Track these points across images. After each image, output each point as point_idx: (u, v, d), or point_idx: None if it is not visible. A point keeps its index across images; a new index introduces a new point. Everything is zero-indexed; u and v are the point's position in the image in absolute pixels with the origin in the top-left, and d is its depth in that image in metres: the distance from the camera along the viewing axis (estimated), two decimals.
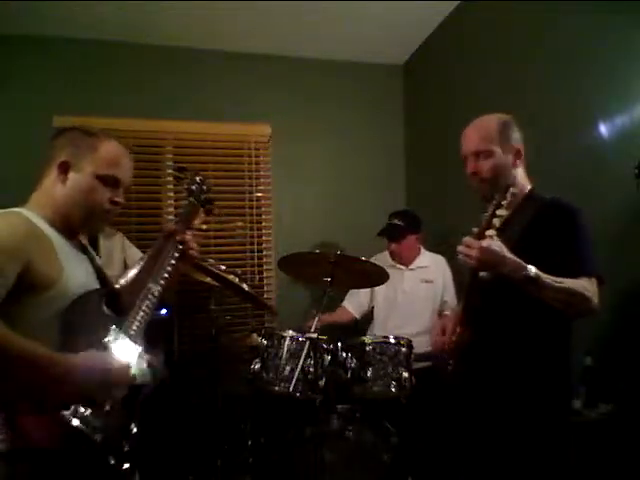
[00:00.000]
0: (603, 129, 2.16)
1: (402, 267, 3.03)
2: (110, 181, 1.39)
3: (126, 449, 1.28)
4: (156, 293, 1.41)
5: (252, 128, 3.69)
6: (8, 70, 3.23)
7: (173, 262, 1.48)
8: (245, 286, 2.66)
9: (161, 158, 3.62)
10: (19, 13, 3.03)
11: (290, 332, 2.35)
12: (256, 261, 3.71)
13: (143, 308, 1.38)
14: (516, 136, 1.65)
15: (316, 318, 2.21)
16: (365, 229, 3.16)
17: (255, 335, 2.57)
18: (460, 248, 1.46)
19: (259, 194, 3.76)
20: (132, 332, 1.33)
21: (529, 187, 1.67)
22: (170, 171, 3.56)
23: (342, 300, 3.19)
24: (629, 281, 2.03)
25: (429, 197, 3.68)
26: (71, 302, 1.27)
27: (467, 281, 1.55)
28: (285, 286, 3.62)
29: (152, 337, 1.41)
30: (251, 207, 3.72)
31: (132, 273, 1.56)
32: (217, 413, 2.62)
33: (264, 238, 3.75)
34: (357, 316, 3.16)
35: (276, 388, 2.25)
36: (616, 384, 2.06)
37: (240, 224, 3.67)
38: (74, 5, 2.98)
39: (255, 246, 3.71)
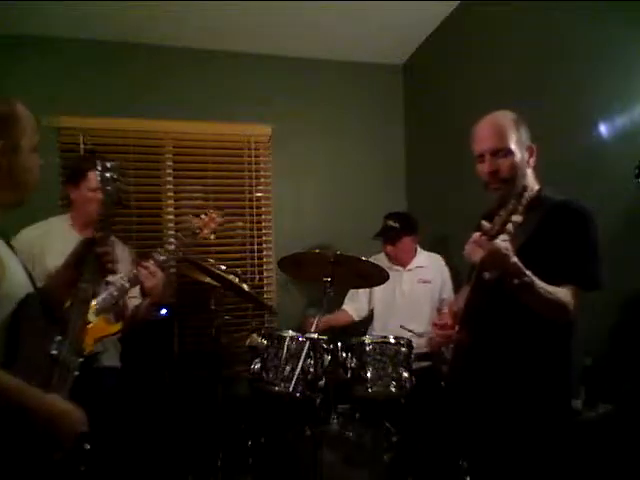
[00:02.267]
0: (603, 129, 2.16)
1: (400, 268, 3.03)
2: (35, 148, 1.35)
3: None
4: (90, 297, 1.35)
5: (252, 128, 3.69)
6: (7, 70, 3.23)
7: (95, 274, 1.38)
8: (245, 286, 2.66)
9: (161, 158, 3.62)
10: (19, 13, 3.03)
11: (290, 332, 2.35)
12: (256, 261, 3.71)
13: (80, 314, 1.31)
14: (527, 134, 1.61)
15: (316, 319, 2.21)
16: (365, 229, 3.16)
17: (255, 335, 2.57)
18: (468, 244, 1.43)
19: (259, 194, 3.76)
20: (75, 341, 1.26)
21: (537, 187, 1.62)
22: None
23: (342, 300, 3.20)
24: (629, 281, 2.03)
25: (429, 197, 3.68)
26: (15, 307, 1.18)
27: (471, 281, 1.52)
28: (285, 286, 3.62)
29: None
30: (251, 207, 3.72)
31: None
32: (217, 413, 2.62)
33: (264, 238, 3.75)
34: (356, 319, 3.17)
35: (276, 388, 2.26)
36: (616, 384, 2.05)
37: (240, 224, 3.67)
38: (74, 5, 2.98)
39: (255, 246, 3.71)
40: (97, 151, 1.63)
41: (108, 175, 1.52)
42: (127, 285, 2.18)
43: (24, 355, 1.16)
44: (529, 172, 1.61)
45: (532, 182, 1.61)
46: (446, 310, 3.03)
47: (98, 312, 2.11)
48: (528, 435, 1.51)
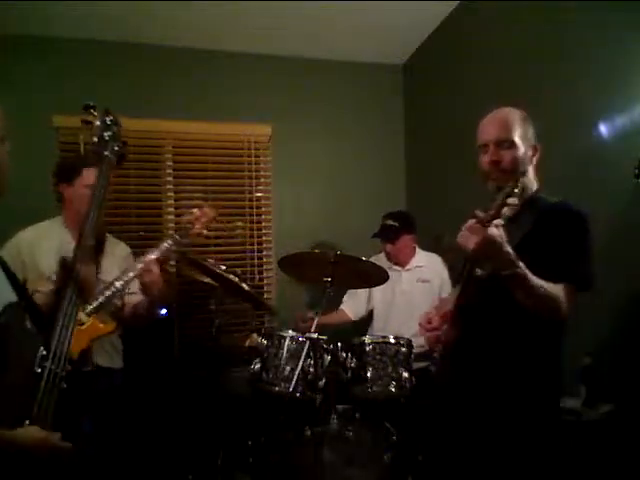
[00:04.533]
0: (603, 129, 2.16)
1: (399, 268, 3.03)
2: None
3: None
4: (75, 314, 1.25)
5: (252, 128, 3.69)
6: (8, 70, 3.23)
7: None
8: (245, 286, 2.65)
9: (161, 158, 3.62)
10: (19, 13, 3.03)
11: (290, 332, 2.35)
12: (256, 261, 3.71)
13: (67, 322, 1.21)
14: (533, 133, 1.64)
15: (316, 319, 2.21)
16: (365, 229, 3.15)
17: (255, 335, 2.57)
18: (462, 231, 1.42)
19: (259, 194, 3.76)
20: (61, 353, 1.17)
21: (536, 187, 1.64)
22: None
23: (341, 300, 3.20)
24: (629, 281, 2.03)
25: (429, 197, 3.68)
26: None
27: (463, 276, 1.52)
28: (285, 286, 3.62)
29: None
30: (251, 207, 3.72)
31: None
32: (217, 413, 2.62)
33: (264, 238, 3.75)
34: (354, 319, 3.17)
35: (276, 388, 2.25)
36: (616, 384, 2.06)
37: (240, 224, 3.67)
38: (74, 5, 2.98)
39: (255, 246, 3.71)
40: (94, 105, 1.42)
41: (107, 135, 1.33)
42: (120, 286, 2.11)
43: (5, 370, 1.07)
44: (530, 170, 1.62)
45: (531, 181, 1.62)
46: (433, 310, 3.06)
47: (90, 313, 2.02)
48: (516, 434, 1.50)
